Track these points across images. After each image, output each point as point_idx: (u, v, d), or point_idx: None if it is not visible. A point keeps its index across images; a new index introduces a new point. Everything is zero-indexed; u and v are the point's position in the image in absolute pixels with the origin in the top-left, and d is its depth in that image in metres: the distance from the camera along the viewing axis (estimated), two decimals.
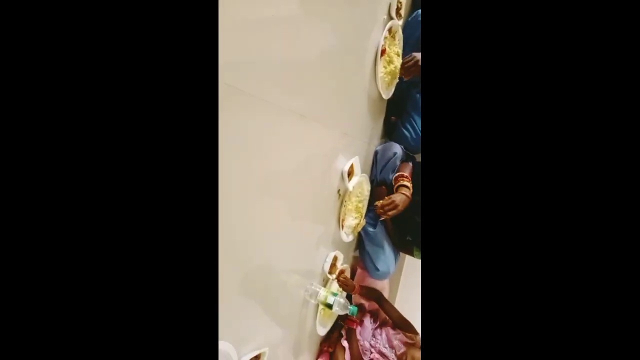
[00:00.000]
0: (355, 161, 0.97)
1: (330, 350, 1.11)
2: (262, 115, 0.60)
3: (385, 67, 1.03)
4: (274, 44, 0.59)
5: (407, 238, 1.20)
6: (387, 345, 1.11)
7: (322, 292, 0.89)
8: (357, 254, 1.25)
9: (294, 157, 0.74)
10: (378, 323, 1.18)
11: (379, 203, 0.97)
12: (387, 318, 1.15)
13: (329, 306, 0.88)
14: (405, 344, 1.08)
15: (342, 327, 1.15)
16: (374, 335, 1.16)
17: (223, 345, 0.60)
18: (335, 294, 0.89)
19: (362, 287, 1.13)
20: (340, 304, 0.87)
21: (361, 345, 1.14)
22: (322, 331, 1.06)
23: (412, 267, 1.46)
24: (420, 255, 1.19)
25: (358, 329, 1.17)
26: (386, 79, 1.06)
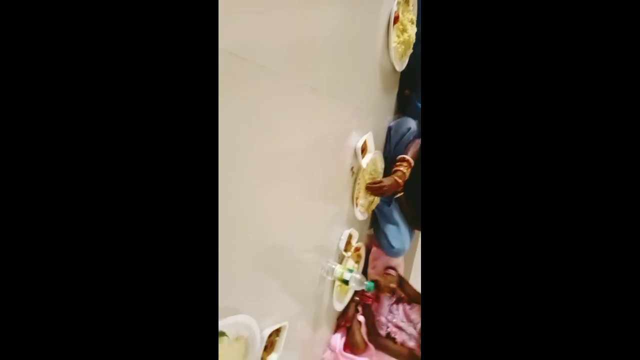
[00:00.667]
0: (369, 137, 0.95)
1: (348, 325, 1.14)
2: (272, 89, 0.58)
3: (398, 37, 0.97)
4: (283, 15, 0.56)
5: None
6: (404, 320, 1.12)
7: (338, 269, 0.89)
8: (371, 232, 1.25)
9: (307, 133, 0.72)
10: (395, 299, 1.19)
11: (369, 182, 0.98)
12: (403, 295, 1.16)
13: (346, 282, 0.89)
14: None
15: (358, 302, 1.17)
16: (390, 311, 1.17)
17: (245, 319, 0.62)
18: (351, 271, 0.89)
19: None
20: (356, 280, 0.88)
21: (377, 320, 1.17)
22: (339, 307, 1.08)
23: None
24: None
25: (374, 304, 1.19)
26: (399, 49, 1.00)
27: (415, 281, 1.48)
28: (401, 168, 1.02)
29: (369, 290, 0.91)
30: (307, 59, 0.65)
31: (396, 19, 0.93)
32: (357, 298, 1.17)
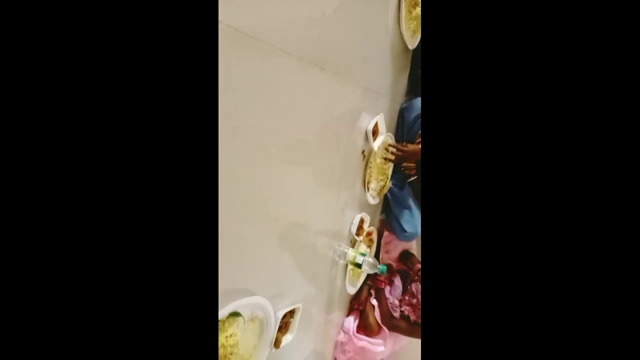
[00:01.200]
0: (380, 119, 0.92)
1: (361, 308, 1.15)
2: (282, 67, 0.57)
3: (410, 12, 0.93)
4: None
5: None
6: (416, 297, 1.12)
7: (351, 253, 0.89)
8: (383, 217, 1.24)
9: (317, 115, 0.71)
10: (408, 281, 1.19)
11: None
12: (415, 276, 1.16)
13: (359, 266, 0.89)
14: None
15: (371, 286, 1.18)
16: (404, 292, 1.18)
17: (259, 300, 0.63)
18: (363, 254, 0.89)
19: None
20: (369, 263, 0.88)
21: (390, 304, 1.17)
22: (352, 290, 1.08)
23: None
24: None
25: (387, 288, 1.19)
26: (411, 26, 0.96)
27: None
28: None
29: (382, 273, 0.91)
30: (315, 37, 0.63)
31: None
32: (369, 282, 1.18)
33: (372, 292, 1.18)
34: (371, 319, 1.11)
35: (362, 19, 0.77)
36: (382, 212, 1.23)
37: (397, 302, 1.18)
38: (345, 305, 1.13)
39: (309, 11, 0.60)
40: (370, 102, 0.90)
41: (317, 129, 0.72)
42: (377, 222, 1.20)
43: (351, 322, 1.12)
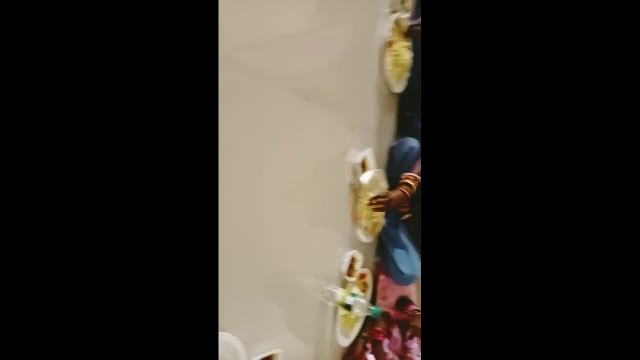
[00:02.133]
0: (369, 153, 0.93)
1: None
2: (265, 96, 0.59)
3: (394, 59, 1.01)
4: (278, 26, 0.59)
5: None
6: (419, 355, 0.99)
7: (340, 293, 0.82)
8: (378, 260, 1.17)
9: (302, 147, 0.72)
10: (409, 334, 1.07)
11: (374, 196, 0.93)
12: (418, 326, 1.04)
13: (348, 307, 0.81)
14: None
15: (367, 339, 1.06)
16: (405, 347, 1.05)
17: (228, 338, 0.56)
18: (354, 295, 0.82)
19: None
20: (360, 305, 0.80)
21: (390, 359, 1.04)
22: (344, 342, 0.97)
23: None
24: None
25: (386, 341, 1.06)
26: (395, 72, 1.04)
27: None
28: (407, 181, 0.98)
29: (375, 316, 0.82)
30: (300, 69, 0.68)
31: (390, 44, 0.98)
32: (365, 334, 1.06)
33: (369, 345, 1.05)
34: None
35: (347, 64, 0.83)
36: (376, 255, 1.16)
37: (397, 358, 1.05)
38: None
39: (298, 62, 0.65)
40: (357, 137, 0.93)
41: (304, 165, 0.72)
42: (371, 265, 1.13)
43: None
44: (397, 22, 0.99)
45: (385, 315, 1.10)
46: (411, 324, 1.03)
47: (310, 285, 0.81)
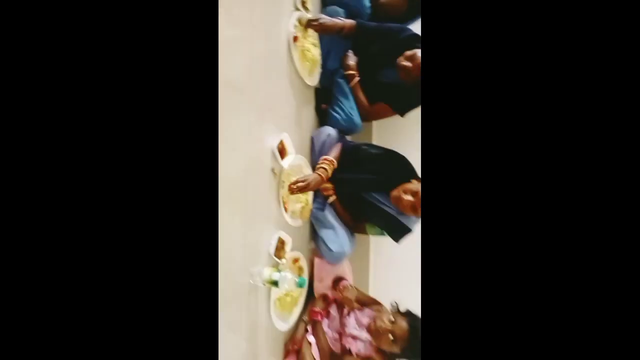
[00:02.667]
0: (285, 138, 0.99)
1: (297, 348, 1.02)
2: None
3: (301, 55, 1.10)
4: None
5: (361, 217, 1.19)
6: (357, 327, 1.04)
7: (266, 270, 0.84)
8: (314, 244, 1.21)
9: (228, 141, 0.73)
10: (346, 310, 1.11)
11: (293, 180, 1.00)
12: (350, 299, 1.09)
13: (275, 283, 0.82)
14: (373, 316, 1.02)
15: (307, 322, 1.07)
16: (342, 324, 1.08)
17: None
18: (280, 271, 0.84)
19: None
20: (286, 279, 0.82)
21: (330, 337, 1.06)
22: (283, 326, 0.97)
23: (379, 246, 1.43)
24: (374, 230, 1.18)
25: (325, 320, 1.09)
26: (306, 65, 1.13)
27: (378, 286, 1.41)
28: (323, 165, 1.06)
29: (300, 286, 0.85)
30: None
31: (295, 39, 1.07)
32: (304, 318, 1.07)
33: (309, 328, 1.07)
34: (308, 358, 0.98)
35: (256, 60, 0.89)
36: (311, 240, 1.21)
37: (336, 335, 1.08)
38: (278, 347, 0.99)
39: None
40: (275, 126, 0.98)
41: (231, 155, 0.73)
42: (308, 251, 1.17)
43: None
44: (299, 20, 1.09)
45: (323, 296, 1.14)
46: (343, 297, 1.07)
47: (239, 269, 0.81)
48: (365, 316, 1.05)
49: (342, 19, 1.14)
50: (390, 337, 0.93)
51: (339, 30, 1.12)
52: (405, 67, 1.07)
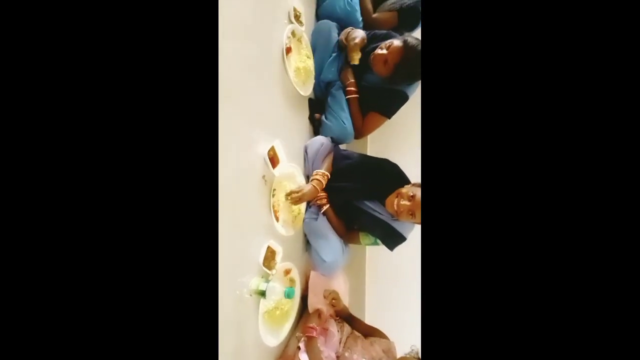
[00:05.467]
0: (277, 145, 0.98)
1: None
2: None
3: (295, 66, 1.12)
4: None
5: (354, 227, 1.17)
6: (365, 357, 0.98)
7: (255, 280, 0.80)
8: (308, 256, 1.17)
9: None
10: (346, 331, 1.05)
11: (289, 191, 1.00)
12: (353, 328, 1.05)
13: (263, 294, 0.79)
14: (386, 351, 0.98)
15: (300, 338, 1.01)
16: (346, 346, 1.02)
17: None
18: (268, 281, 0.80)
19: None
20: (275, 290, 0.79)
21: (326, 357, 1.00)
22: (272, 342, 0.92)
23: (374, 261, 1.38)
24: (368, 240, 1.14)
25: (321, 338, 1.03)
26: (300, 76, 1.14)
27: (371, 304, 1.34)
28: (317, 177, 1.05)
29: (288, 297, 0.81)
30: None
31: (288, 50, 1.09)
32: (298, 334, 1.02)
33: (301, 345, 1.01)
34: None
35: (250, 68, 0.90)
36: (305, 252, 1.17)
37: (333, 355, 1.01)
38: None
39: None
40: (265, 131, 0.97)
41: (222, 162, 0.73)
42: (303, 264, 1.13)
43: None
44: (293, 33, 1.11)
45: (318, 311, 1.08)
46: (335, 306, 1.02)
47: (226, 281, 0.78)
48: (374, 350, 1.00)
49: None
50: None
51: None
52: (380, 55, 1.06)
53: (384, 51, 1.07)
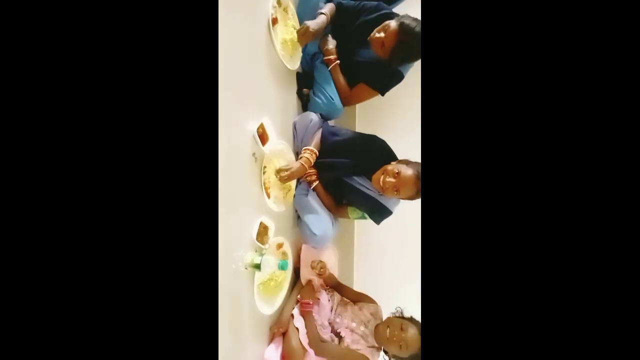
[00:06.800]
0: (266, 121, 0.97)
1: (283, 331, 1.02)
2: None
3: (284, 37, 1.08)
4: None
5: (343, 202, 1.20)
6: (355, 321, 1.05)
7: (249, 254, 0.83)
8: (299, 230, 1.21)
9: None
10: (337, 300, 1.12)
11: (278, 168, 1.01)
12: (342, 295, 1.11)
13: (257, 267, 0.82)
14: (373, 314, 1.06)
15: (295, 308, 1.08)
16: (337, 313, 1.09)
17: None
18: (262, 254, 0.84)
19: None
20: (269, 262, 0.82)
21: (320, 325, 1.07)
22: (267, 310, 0.97)
23: (363, 234, 1.45)
24: (355, 214, 1.19)
25: (315, 308, 1.09)
26: (288, 48, 1.11)
27: (359, 273, 1.43)
28: (305, 154, 1.07)
29: (281, 268, 0.85)
30: None
31: (275, 21, 1.04)
32: (295, 307, 1.08)
33: (294, 312, 1.07)
34: (294, 341, 0.99)
35: (235, 41, 0.86)
36: (296, 226, 1.20)
37: (326, 322, 1.09)
38: (263, 331, 1.00)
39: None
40: (254, 108, 0.96)
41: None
42: (295, 238, 1.17)
43: (272, 352, 0.98)
44: (278, 2, 1.06)
45: (309, 282, 1.14)
46: (323, 276, 1.08)
47: (221, 256, 0.80)
48: (363, 314, 1.07)
49: (323, 11, 1.11)
50: (400, 345, 0.93)
51: (328, 24, 1.10)
52: (378, 39, 1.05)
53: (381, 34, 1.04)
